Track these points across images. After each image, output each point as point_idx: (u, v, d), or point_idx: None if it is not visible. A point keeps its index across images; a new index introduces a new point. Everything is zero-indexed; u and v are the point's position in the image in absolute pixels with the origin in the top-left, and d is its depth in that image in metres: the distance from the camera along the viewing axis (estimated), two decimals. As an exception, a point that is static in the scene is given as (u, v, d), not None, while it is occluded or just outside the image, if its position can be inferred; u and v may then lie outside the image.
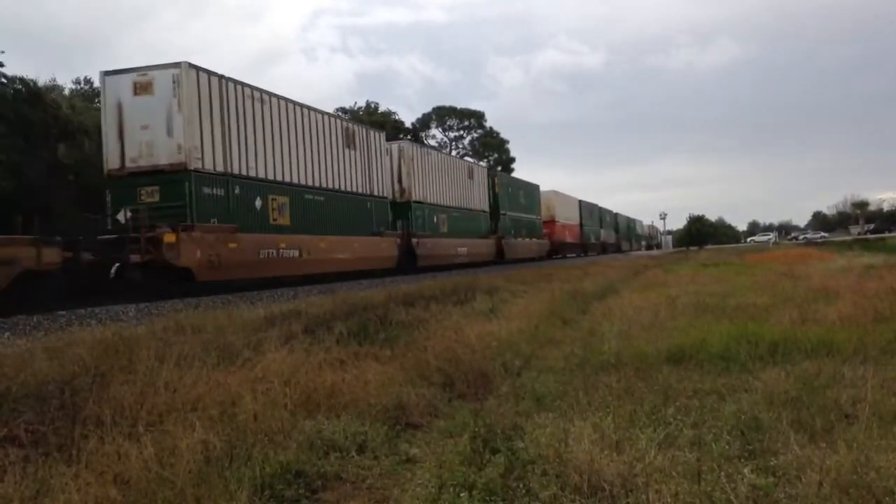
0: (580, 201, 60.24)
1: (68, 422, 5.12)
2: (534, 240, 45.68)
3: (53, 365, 6.55)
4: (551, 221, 50.15)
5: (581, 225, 59.53)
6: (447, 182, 33.04)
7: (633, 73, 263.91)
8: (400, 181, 28.63)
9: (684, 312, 11.00)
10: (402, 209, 28.20)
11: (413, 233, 28.00)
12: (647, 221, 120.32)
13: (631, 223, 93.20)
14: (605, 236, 70.99)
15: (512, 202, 42.13)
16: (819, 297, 12.17)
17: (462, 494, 3.89)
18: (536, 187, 49.26)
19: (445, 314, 11.57)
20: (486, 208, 38.52)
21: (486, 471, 4.18)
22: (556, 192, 53.14)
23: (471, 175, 37.06)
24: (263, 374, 6.40)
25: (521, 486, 3.95)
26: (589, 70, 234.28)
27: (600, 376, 6.71)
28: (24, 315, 10.99)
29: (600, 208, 70.38)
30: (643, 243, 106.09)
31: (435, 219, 30.86)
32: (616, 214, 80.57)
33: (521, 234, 42.74)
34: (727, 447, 4.42)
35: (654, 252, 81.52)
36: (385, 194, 27.01)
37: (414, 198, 28.90)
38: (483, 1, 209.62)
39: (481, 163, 62.27)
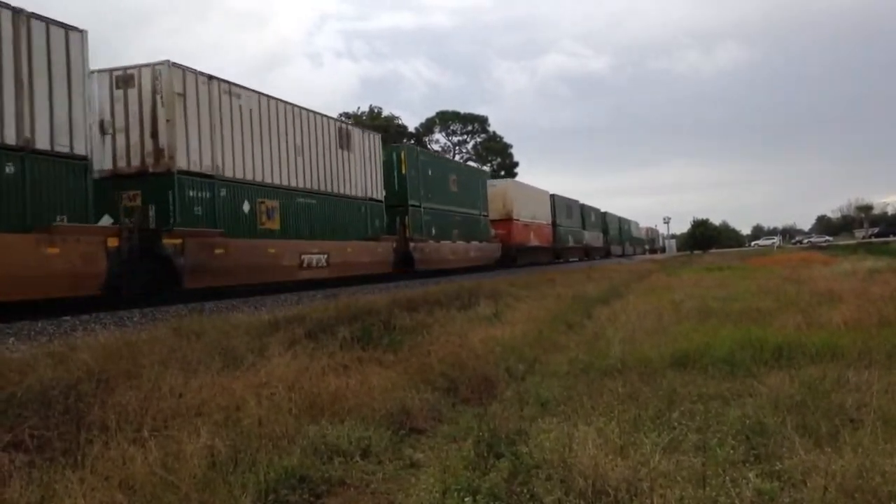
0: (553, 196, 49.19)
1: (73, 427, 5.13)
2: (473, 243, 32.89)
3: (58, 370, 6.56)
4: (507, 220, 38.78)
5: (554, 225, 48.21)
6: (284, 147, 19.21)
7: (637, 76, 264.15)
8: (154, 135, 15.53)
9: (688, 317, 10.99)
10: (158, 186, 15.39)
11: (173, 229, 15.04)
12: (643, 223, 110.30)
13: (624, 224, 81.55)
14: (589, 239, 59.86)
15: (434, 190, 29.18)
16: (823, 301, 12.16)
17: (466, 499, 3.89)
18: (480, 173, 39.02)
19: (449, 319, 11.57)
20: (380, 195, 24.71)
21: (491, 475, 4.18)
22: (515, 183, 43.08)
23: (346, 143, 22.59)
24: (267, 379, 6.42)
25: (526, 490, 3.95)
26: (593, 74, 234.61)
27: (605, 381, 6.71)
28: (28, 320, 11.01)
29: (583, 206, 59.36)
30: (646, 247, 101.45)
31: (247, 206, 17.61)
32: (604, 214, 69.51)
33: (448, 235, 30.20)
34: (732, 452, 4.41)
35: (658, 256, 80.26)
36: (83, 152, 13.25)
37: (184, 165, 15.70)
38: (487, 5, 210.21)
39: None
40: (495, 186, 39.33)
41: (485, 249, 34.66)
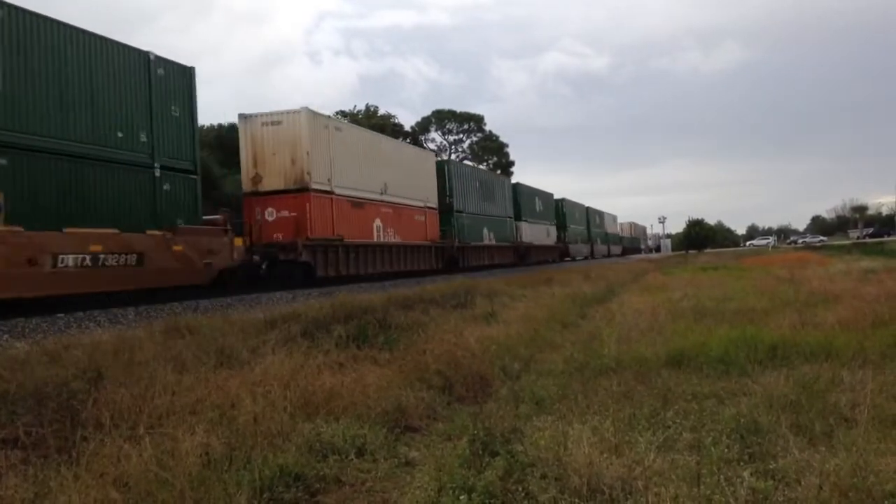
0: (446, 164, 32.37)
1: (67, 424, 5.12)
2: (121, 235, 13.55)
3: (52, 368, 6.54)
4: (300, 192, 20.27)
5: (449, 211, 30.41)
6: None
7: (637, 76, 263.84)
8: None
9: (683, 316, 11.00)
10: None
11: None
12: (640, 222, 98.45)
13: (595, 217, 65.95)
14: (530, 235, 42.89)
15: None
16: (818, 301, 12.18)
17: (461, 497, 3.89)
18: (168, 67, 15.74)
19: (444, 318, 11.58)
20: None
21: (486, 474, 4.18)
22: (317, 118, 21.57)
23: None
24: (262, 376, 6.41)
25: (521, 488, 3.95)
26: (594, 73, 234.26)
27: (599, 380, 6.72)
28: (22, 318, 10.98)
29: (517, 186, 42.40)
30: (642, 247, 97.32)
31: None
32: (560, 201, 52.53)
33: None
34: (726, 450, 4.42)
35: (654, 256, 78.97)
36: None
37: None
38: (488, 3, 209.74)
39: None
40: (278, 125, 20.35)
41: (162, 252, 14.61)
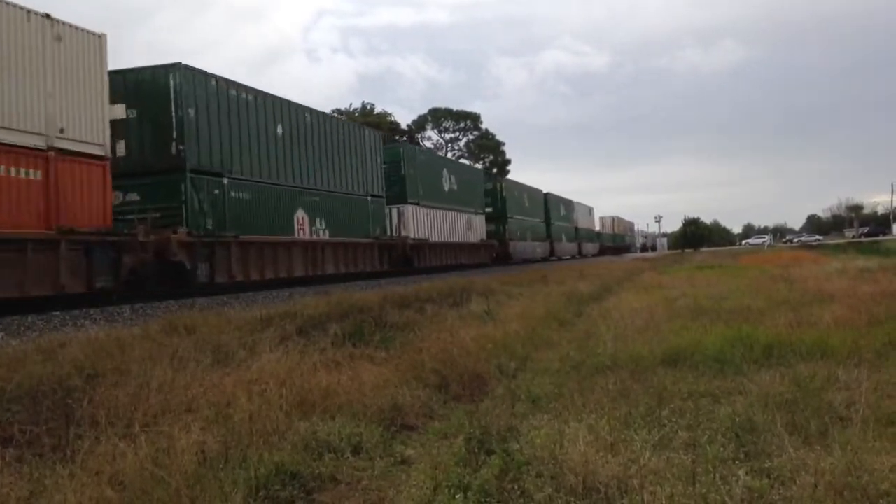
0: (174, 71, 15.52)
1: (62, 422, 5.11)
2: None
3: (47, 366, 6.52)
4: None
5: (176, 174, 15.59)
6: None
7: (637, 74, 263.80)
8: None
9: (679, 315, 11.02)
10: None
11: None
12: (637, 222, 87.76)
13: (557, 206, 51.78)
14: (424, 227, 28.88)
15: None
16: (814, 300, 12.20)
17: (457, 496, 3.89)
18: None
19: (441, 317, 11.58)
20: None
21: (482, 472, 4.18)
22: None
23: None
24: (258, 375, 6.40)
25: (517, 487, 3.95)
26: (594, 71, 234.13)
27: (595, 378, 6.72)
28: (17, 315, 10.94)
29: (405, 151, 29.12)
30: (640, 244, 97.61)
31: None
32: (499, 182, 41.04)
33: None
34: (722, 449, 4.43)
35: (649, 255, 77.89)
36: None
37: None
38: (486, 1, 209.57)
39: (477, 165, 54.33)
40: None
41: None
